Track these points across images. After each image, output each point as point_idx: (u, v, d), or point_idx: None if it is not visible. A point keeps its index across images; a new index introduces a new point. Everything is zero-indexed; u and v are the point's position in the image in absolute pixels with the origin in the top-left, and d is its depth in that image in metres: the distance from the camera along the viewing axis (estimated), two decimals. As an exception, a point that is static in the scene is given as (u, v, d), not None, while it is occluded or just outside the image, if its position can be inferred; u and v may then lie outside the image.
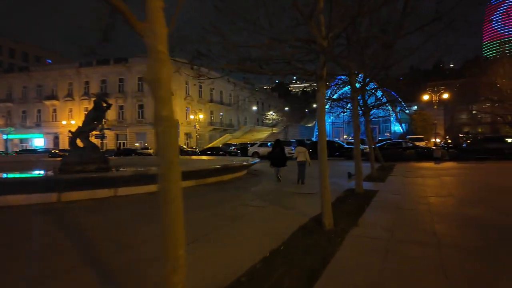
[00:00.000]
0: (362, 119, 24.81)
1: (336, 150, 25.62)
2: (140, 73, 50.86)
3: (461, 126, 51.21)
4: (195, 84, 53.49)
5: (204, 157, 22.72)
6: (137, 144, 48.86)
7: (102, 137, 32.27)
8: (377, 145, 32.36)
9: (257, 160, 14.66)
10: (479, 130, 47.86)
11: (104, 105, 15.48)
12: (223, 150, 31.58)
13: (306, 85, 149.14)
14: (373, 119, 53.13)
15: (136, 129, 50.65)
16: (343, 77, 13.51)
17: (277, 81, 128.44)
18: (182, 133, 43.04)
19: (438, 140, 38.00)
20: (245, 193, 8.75)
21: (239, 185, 10.51)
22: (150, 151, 38.37)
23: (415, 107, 54.14)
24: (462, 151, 20.86)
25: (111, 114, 52.15)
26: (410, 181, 10.97)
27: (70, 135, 14.41)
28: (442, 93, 32.89)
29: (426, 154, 21.33)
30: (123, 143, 51.75)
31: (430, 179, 11.46)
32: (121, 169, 16.87)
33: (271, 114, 52.98)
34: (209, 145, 46.16)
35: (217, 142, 50.44)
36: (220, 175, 11.44)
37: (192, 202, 7.59)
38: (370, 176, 12.33)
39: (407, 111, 52.36)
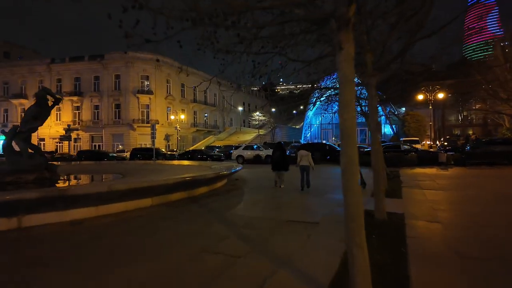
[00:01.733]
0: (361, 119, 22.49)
1: (327, 154, 23.20)
2: (117, 70, 47.50)
3: (452, 128, 49.98)
4: (188, 82, 50.39)
5: (181, 162, 19.87)
6: (120, 146, 45.24)
7: (68, 139, 28.85)
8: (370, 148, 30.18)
9: (239, 167, 11.96)
10: (470, 132, 46.57)
11: (51, 100, 12.53)
12: (205, 154, 28.69)
13: (292, 87, 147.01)
14: (364, 121, 51.53)
15: (113, 130, 47.15)
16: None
17: (264, 83, 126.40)
18: (161, 134, 39.87)
19: (430, 142, 36.26)
20: (215, 222, 6.03)
21: (212, 204, 7.78)
22: (126, 154, 35.09)
23: (403, 108, 52.68)
24: (468, 154, 18.76)
25: (85, 114, 48.57)
26: (434, 197, 8.50)
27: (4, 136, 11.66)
28: (437, 93, 31.09)
29: (429, 158, 19.18)
30: (99, 145, 48.12)
31: (455, 193, 9.08)
32: (76, 179, 13.94)
33: (258, 115, 50.29)
34: (191, 148, 43.14)
35: (200, 145, 47.51)
36: (189, 189, 8.71)
37: (124, 243, 4.81)
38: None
39: (396, 113, 50.88)
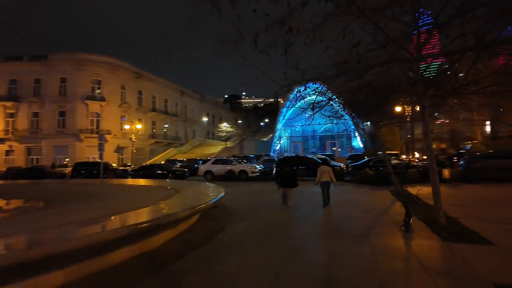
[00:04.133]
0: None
1: (313, 168, 19.91)
2: (64, 73, 41.36)
3: (419, 142, 50.02)
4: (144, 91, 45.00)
5: (136, 181, 15.57)
6: (66, 160, 38.50)
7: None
8: (351, 162, 27.92)
9: (221, 193, 8.25)
10: (442, 146, 46.28)
11: None
12: (166, 169, 24.30)
13: (258, 100, 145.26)
14: (335, 133, 49.93)
15: (56, 141, 40.59)
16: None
17: (225, 96, 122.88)
18: (114, 146, 34.57)
19: (410, 156, 35.07)
20: None
21: (190, 277, 4.01)
22: (68, 170, 29.23)
23: (368, 122, 52.18)
24: (469, 170, 16.83)
25: (21, 123, 41.42)
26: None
27: None
28: (416, 105, 29.82)
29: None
30: (37, 158, 41.07)
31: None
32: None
33: (225, 126, 46.47)
34: (148, 162, 38.06)
35: (160, 158, 42.43)
36: (144, 238, 4.85)
37: None
38: (434, 222, 6.81)
39: (362, 126, 50.16)
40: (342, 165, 24.71)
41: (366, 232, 6.22)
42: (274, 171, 21.31)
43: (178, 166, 29.66)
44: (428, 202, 9.89)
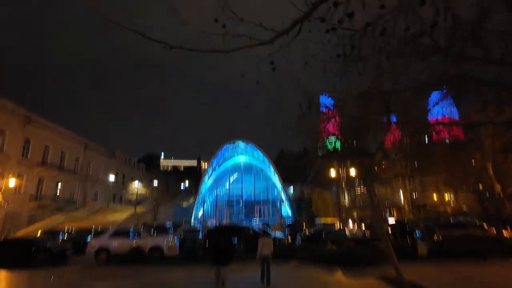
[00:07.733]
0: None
1: (252, 241, 14.81)
2: None
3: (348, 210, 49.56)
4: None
5: None
6: None
7: None
8: (292, 232, 23.77)
9: None
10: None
11: None
12: (38, 244, 16.04)
13: (176, 161, 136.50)
14: (261, 199, 46.57)
15: None
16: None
17: (141, 156, 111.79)
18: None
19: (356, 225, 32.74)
20: None
21: None
22: None
23: (291, 187, 50.95)
24: (435, 244, 14.23)
25: None
26: None
27: None
28: (349, 170, 28.60)
29: (401, 250, 13.68)
30: None
31: None
32: None
33: (136, 187, 38.42)
34: (21, 232, 27.53)
35: (40, 227, 31.52)
36: None
37: None
38: None
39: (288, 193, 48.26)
40: (280, 234, 19.94)
41: None
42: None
43: (62, 239, 21.18)
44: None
